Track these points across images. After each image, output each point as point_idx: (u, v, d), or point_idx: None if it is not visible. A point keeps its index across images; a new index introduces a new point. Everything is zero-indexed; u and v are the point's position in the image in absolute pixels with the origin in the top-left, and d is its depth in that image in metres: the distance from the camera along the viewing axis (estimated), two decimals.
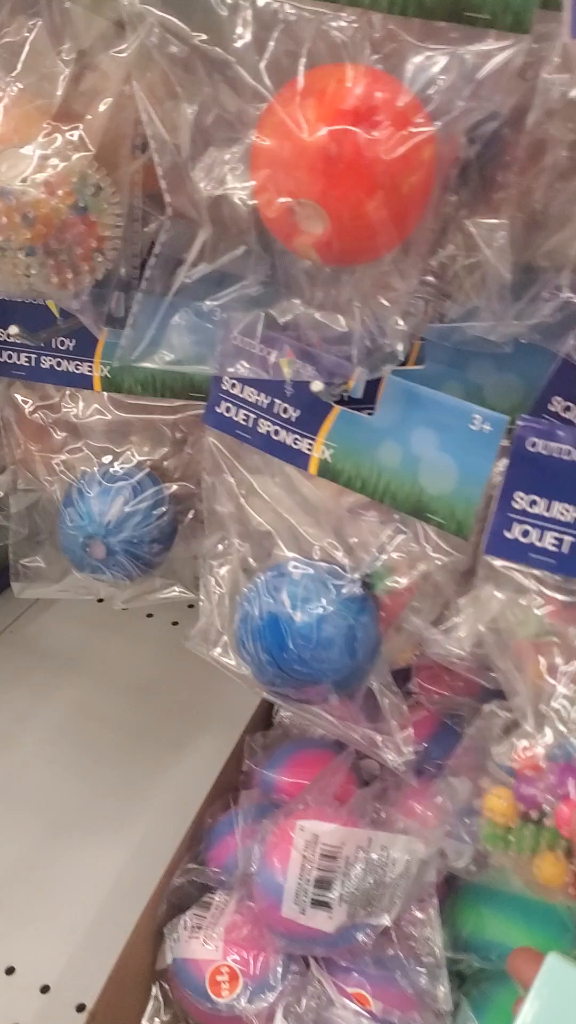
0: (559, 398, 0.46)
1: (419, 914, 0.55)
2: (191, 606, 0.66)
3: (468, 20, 0.38)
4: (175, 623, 0.91)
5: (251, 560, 0.53)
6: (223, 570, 0.54)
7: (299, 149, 0.38)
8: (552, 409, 0.47)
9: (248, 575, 0.53)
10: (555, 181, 0.44)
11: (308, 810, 0.55)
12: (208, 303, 0.46)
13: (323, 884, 0.53)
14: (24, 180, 0.47)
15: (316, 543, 0.51)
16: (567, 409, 0.46)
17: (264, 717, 0.73)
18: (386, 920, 0.54)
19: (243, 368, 0.47)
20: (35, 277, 0.49)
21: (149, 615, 0.92)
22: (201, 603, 0.55)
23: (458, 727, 0.70)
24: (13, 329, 0.54)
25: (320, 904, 0.53)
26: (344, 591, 0.49)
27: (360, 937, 0.54)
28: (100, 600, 0.66)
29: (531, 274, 0.47)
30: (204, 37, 0.39)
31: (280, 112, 0.39)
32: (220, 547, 0.55)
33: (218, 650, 0.54)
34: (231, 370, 0.47)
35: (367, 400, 0.52)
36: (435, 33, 0.38)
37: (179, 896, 0.62)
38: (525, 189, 0.45)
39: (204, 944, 0.57)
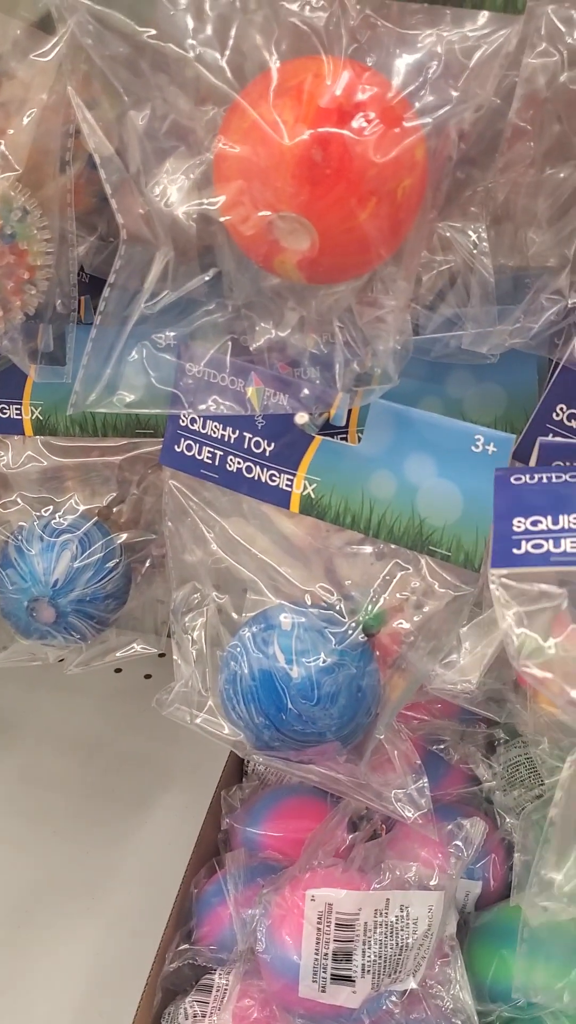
0: (563, 406, 0.43)
1: (446, 970, 0.51)
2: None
3: (454, 1, 0.34)
4: (117, 670, 0.84)
5: (232, 612, 0.47)
6: (198, 624, 0.49)
7: (277, 156, 0.33)
8: (556, 418, 0.43)
9: (230, 629, 0.48)
10: (542, 175, 0.41)
11: (315, 875, 0.51)
12: (169, 333, 0.40)
13: (342, 957, 0.48)
14: None
15: (305, 587, 0.46)
16: (572, 417, 0.43)
17: (236, 768, 0.67)
18: (412, 983, 0.50)
19: (215, 404, 0.41)
20: None
21: None
22: (176, 663, 0.50)
23: (443, 753, 0.67)
24: None
25: (341, 979, 0.48)
26: (343, 638, 0.44)
27: (386, 1006, 0.49)
28: (62, 661, 0.59)
29: (520, 278, 0.43)
30: (153, 32, 0.34)
31: (251, 114, 0.34)
32: (192, 600, 0.49)
33: (203, 716, 0.48)
34: (202, 407, 0.41)
35: (333, 427, 0.47)
36: (417, 17, 0.34)
37: (173, 981, 0.56)
38: (506, 185, 0.42)
39: None
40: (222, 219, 0.35)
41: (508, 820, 0.62)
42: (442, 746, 0.66)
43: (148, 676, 0.83)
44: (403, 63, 0.34)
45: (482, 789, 0.64)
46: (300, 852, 0.58)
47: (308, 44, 0.34)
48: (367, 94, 0.33)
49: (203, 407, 0.41)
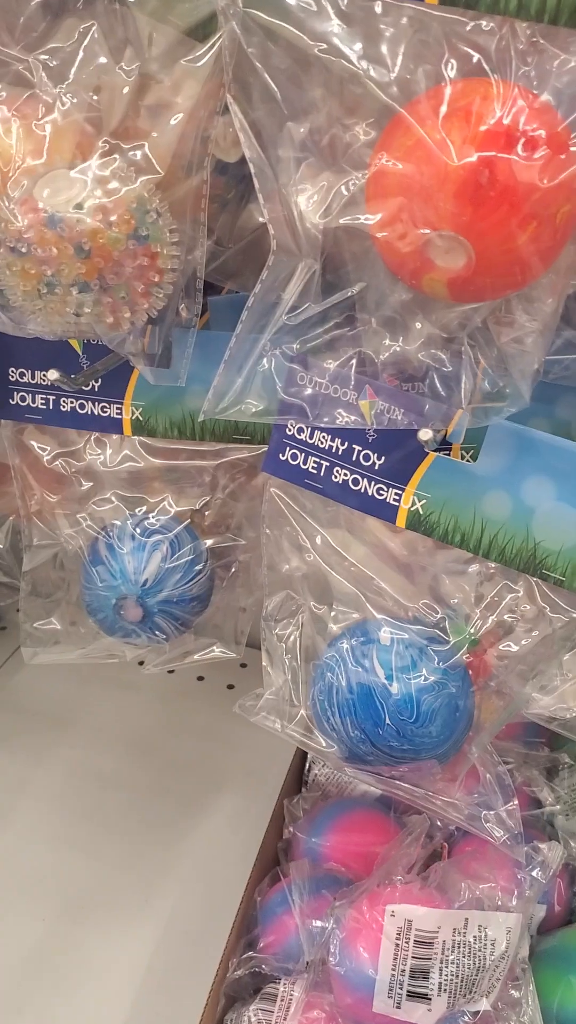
0: None
1: (515, 993, 0.51)
2: None
3: None
4: (170, 671, 0.84)
5: (330, 624, 0.47)
6: (292, 633, 0.49)
7: (442, 175, 0.33)
8: None
9: (325, 640, 0.48)
10: None
11: (394, 891, 0.50)
12: (296, 345, 0.41)
13: (419, 974, 0.48)
14: (79, 206, 0.41)
15: (408, 603, 0.46)
16: None
17: (296, 778, 0.67)
18: (485, 1004, 0.49)
19: (340, 417, 0.42)
20: (87, 316, 0.43)
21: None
22: (266, 671, 0.50)
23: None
24: (53, 374, 0.48)
25: (417, 996, 0.48)
26: (447, 657, 0.44)
27: None
28: (141, 663, 0.59)
29: None
30: (324, 47, 0.34)
31: (417, 132, 0.34)
32: (287, 609, 0.49)
33: (294, 726, 0.48)
34: (326, 420, 0.41)
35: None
36: None
37: (234, 988, 0.56)
38: None
39: None
40: (378, 235, 0.35)
41: (573, 844, 0.61)
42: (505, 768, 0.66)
43: (200, 678, 0.83)
44: (569, 89, 0.34)
45: (544, 812, 0.64)
46: (363, 865, 0.59)
47: (476, 66, 0.34)
48: (535, 120, 0.33)
49: (327, 419, 0.42)
